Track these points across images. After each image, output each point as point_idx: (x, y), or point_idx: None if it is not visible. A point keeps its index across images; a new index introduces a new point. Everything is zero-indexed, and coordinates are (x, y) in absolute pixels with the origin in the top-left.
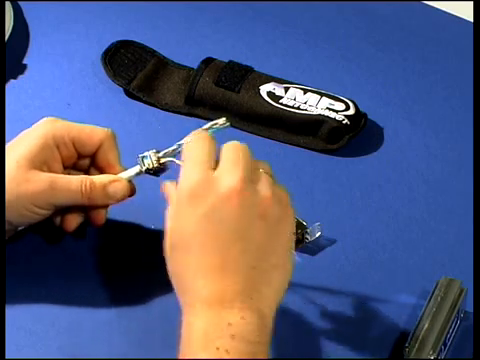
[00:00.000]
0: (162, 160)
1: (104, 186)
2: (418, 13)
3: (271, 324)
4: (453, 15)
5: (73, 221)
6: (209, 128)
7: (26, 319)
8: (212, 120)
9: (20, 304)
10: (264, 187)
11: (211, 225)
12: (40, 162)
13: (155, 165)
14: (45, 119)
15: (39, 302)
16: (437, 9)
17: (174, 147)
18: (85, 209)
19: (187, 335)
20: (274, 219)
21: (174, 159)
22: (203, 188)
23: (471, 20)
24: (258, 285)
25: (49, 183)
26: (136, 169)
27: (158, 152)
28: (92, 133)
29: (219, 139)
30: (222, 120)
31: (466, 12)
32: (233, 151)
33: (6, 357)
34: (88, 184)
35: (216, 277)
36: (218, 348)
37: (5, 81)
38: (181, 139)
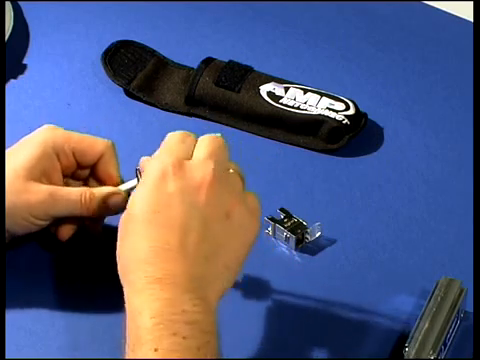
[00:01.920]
0: None
1: (104, 198)
2: (418, 13)
3: (217, 317)
4: (453, 15)
5: (68, 231)
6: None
7: (26, 319)
8: (211, 121)
9: (20, 304)
10: (235, 188)
11: (176, 204)
12: (39, 172)
13: None
14: (45, 127)
15: (39, 302)
16: (437, 9)
17: None
18: (81, 219)
19: (137, 314)
20: (238, 223)
21: None
22: (175, 171)
23: (471, 20)
24: (208, 276)
25: (49, 195)
26: (134, 182)
27: None
28: (93, 144)
29: None
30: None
31: (466, 12)
32: (209, 144)
33: (7, 357)
34: (88, 196)
35: (171, 256)
36: (175, 333)
37: (5, 81)
38: None
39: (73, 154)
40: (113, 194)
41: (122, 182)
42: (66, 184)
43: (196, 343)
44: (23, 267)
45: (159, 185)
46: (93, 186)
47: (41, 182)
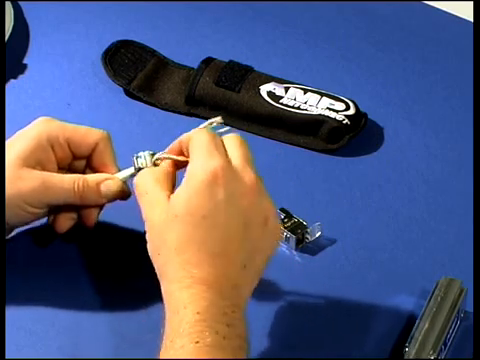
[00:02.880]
0: (157, 162)
1: (97, 184)
2: (418, 13)
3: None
4: (453, 15)
5: (65, 222)
6: (205, 127)
7: (26, 319)
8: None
9: (20, 304)
10: (267, 192)
11: (223, 212)
12: (34, 162)
13: (149, 165)
14: (40, 119)
15: (39, 302)
16: (437, 9)
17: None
18: (78, 211)
19: (182, 308)
20: (273, 227)
21: (172, 156)
22: (223, 175)
23: (471, 20)
24: (243, 284)
25: (42, 181)
26: (131, 170)
27: (153, 154)
28: (87, 134)
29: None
30: (218, 119)
31: (466, 12)
32: (240, 145)
33: (7, 357)
34: (81, 182)
35: (216, 263)
36: (217, 332)
37: (5, 81)
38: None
39: (68, 145)
40: (107, 180)
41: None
42: None
43: (232, 345)
44: (23, 267)
45: (208, 190)
46: None
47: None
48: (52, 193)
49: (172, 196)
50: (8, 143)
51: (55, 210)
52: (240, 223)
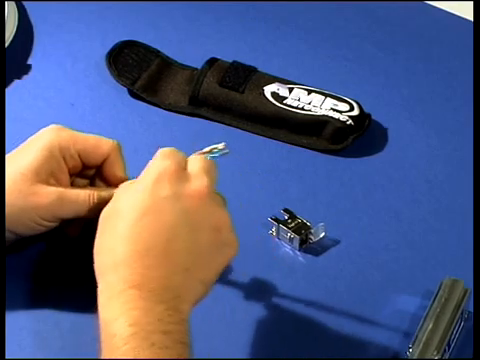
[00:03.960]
0: None
1: (110, 197)
2: (421, 13)
3: (189, 328)
4: (456, 15)
5: (79, 227)
6: (209, 152)
7: (29, 319)
8: (215, 121)
9: (24, 305)
10: (225, 207)
11: (167, 210)
12: (46, 174)
13: None
14: (50, 127)
15: (43, 303)
16: (440, 9)
17: None
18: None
19: (113, 321)
20: (224, 238)
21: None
22: (172, 174)
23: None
24: (184, 288)
25: (57, 196)
26: None
27: None
28: (98, 144)
29: (224, 140)
30: (221, 145)
31: (469, 12)
32: (203, 161)
33: (10, 357)
34: (95, 198)
35: (152, 263)
36: (153, 344)
37: (5, 81)
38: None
39: (79, 155)
40: None
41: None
42: (72, 182)
43: (171, 354)
44: (27, 267)
45: (153, 187)
46: (99, 185)
47: (48, 184)
48: (67, 208)
49: (117, 191)
50: (17, 151)
51: (65, 221)
52: (185, 224)
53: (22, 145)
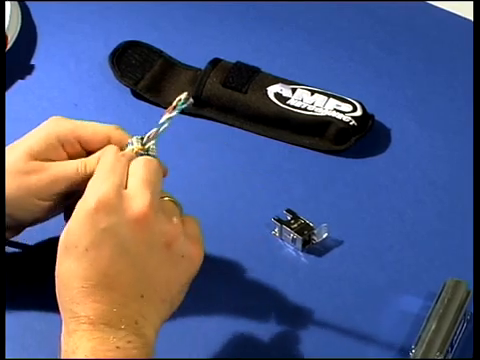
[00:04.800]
0: (146, 145)
1: (97, 157)
2: (424, 14)
3: (154, 349)
4: (459, 16)
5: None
6: (175, 107)
7: (32, 319)
8: (218, 122)
9: (26, 304)
10: (173, 217)
11: (109, 243)
12: (43, 159)
13: (139, 150)
14: (50, 119)
15: (45, 302)
16: (442, 9)
17: (155, 129)
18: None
19: (71, 353)
20: (179, 252)
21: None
22: (111, 202)
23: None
24: (144, 312)
25: (47, 170)
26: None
27: (142, 138)
28: (96, 130)
29: (227, 140)
30: (184, 95)
31: (471, 12)
32: (145, 170)
33: (12, 357)
34: (85, 165)
35: (101, 297)
36: None
37: (5, 82)
38: (158, 126)
39: (79, 142)
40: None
41: None
42: None
43: None
44: (30, 267)
45: (91, 218)
46: None
47: None
48: (61, 180)
49: (65, 227)
50: (14, 144)
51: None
52: (129, 255)
53: (23, 137)
